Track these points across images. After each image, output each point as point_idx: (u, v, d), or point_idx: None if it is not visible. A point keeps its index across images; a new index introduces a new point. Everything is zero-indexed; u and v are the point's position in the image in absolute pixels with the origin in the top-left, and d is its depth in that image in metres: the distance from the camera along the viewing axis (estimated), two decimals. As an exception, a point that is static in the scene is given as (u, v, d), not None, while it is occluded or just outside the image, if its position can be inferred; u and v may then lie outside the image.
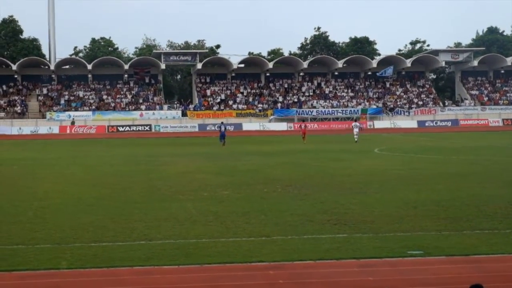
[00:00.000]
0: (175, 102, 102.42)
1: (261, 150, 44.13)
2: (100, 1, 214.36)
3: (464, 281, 9.94)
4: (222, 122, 61.83)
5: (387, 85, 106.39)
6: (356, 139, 52.80)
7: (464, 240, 13.25)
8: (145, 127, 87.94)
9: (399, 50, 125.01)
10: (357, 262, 11.71)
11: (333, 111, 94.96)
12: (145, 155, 40.68)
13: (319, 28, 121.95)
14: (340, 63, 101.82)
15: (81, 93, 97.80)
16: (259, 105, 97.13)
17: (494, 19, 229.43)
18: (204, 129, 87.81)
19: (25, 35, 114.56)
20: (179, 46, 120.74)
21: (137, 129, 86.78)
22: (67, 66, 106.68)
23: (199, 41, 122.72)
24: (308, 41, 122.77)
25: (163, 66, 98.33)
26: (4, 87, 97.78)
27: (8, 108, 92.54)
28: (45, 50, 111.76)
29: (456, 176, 24.84)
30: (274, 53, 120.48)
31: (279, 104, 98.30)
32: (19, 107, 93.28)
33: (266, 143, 53.33)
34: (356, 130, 54.52)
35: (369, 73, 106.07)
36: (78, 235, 14.08)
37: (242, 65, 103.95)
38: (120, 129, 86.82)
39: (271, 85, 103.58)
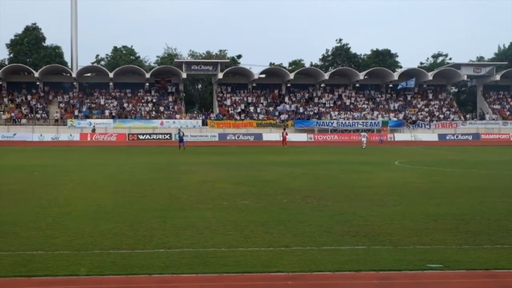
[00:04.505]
0: (195, 111, 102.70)
1: (281, 160, 44.10)
2: (123, 10, 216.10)
3: (484, 296, 9.86)
4: (179, 129, 68.22)
5: (408, 97, 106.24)
6: (364, 147, 64.38)
7: (484, 255, 13.13)
8: (165, 135, 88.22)
9: (421, 63, 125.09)
10: (376, 274, 11.64)
11: (353, 123, 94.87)
12: (165, 163, 40.78)
13: (340, 40, 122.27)
14: (361, 75, 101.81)
15: (102, 101, 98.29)
16: (281, 116, 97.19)
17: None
18: (224, 138, 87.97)
19: (47, 42, 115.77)
20: (200, 56, 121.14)
21: (157, 137, 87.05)
22: (89, 74, 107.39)
23: (220, 51, 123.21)
24: (329, 53, 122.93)
25: (184, 75, 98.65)
26: (26, 94, 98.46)
27: (29, 115, 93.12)
28: (67, 57, 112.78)
29: (477, 190, 24.66)
30: (295, 64, 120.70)
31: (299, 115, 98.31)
32: (40, 114, 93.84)
33: (286, 154, 53.29)
34: (363, 140, 65.37)
35: (390, 85, 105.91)
36: (97, 242, 14.10)
37: (263, 76, 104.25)
38: (141, 137, 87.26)
39: (291, 95, 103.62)
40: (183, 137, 63.31)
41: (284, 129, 77.77)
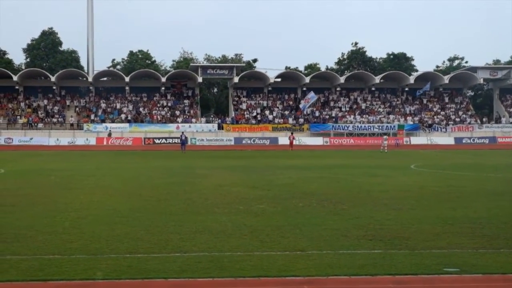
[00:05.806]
0: (211, 115, 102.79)
1: (297, 164, 44.05)
2: (139, 15, 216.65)
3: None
4: (182, 132, 71.00)
5: (424, 101, 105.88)
6: (384, 150, 64.91)
7: (501, 259, 13.06)
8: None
9: (437, 67, 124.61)
10: (392, 278, 11.60)
11: (369, 127, 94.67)
12: (181, 167, 40.82)
13: (356, 43, 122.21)
14: (377, 79, 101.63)
15: (118, 105, 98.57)
16: (299, 120, 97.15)
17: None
18: (240, 142, 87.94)
19: (64, 47, 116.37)
20: (216, 60, 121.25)
21: (173, 141, 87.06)
22: (105, 78, 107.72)
23: (236, 55, 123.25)
24: (345, 56, 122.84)
25: (200, 79, 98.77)
26: (43, 98, 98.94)
27: (46, 119, 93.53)
28: (83, 62, 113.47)
29: (494, 194, 24.53)
30: (311, 67, 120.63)
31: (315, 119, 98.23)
32: (57, 118, 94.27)
33: (302, 157, 53.22)
34: (384, 143, 67.24)
35: (406, 89, 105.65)
36: (113, 246, 14.13)
37: (279, 79, 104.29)
38: (157, 141, 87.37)
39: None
40: (185, 141, 65.85)
41: (292, 133, 79.20)
